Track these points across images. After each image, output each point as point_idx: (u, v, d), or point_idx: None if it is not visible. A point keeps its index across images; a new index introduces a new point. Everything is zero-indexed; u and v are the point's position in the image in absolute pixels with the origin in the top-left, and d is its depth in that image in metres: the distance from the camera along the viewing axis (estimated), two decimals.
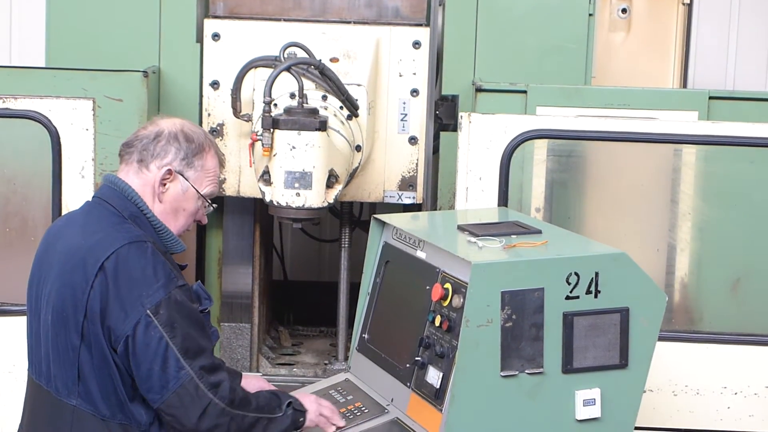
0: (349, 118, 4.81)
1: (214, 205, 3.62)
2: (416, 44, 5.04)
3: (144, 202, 3.46)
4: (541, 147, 4.70)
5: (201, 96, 5.07)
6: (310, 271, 6.69)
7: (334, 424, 3.64)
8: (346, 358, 4.78)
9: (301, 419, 3.54)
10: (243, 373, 3.90)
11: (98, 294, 3.28)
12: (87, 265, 3.31)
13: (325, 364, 5.36)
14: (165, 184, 3.48)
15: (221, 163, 3.59)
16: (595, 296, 3.43)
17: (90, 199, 3.55)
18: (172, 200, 3.49)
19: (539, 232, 3.71)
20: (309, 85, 4.71)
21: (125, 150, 3.51)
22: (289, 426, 3.49)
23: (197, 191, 3.51)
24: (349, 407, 3.76)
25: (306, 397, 3.65)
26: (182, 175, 3.48)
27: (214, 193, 3.58)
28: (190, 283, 3.51)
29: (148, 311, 3.26)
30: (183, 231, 3.57)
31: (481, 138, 4.46)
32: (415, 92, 5.04)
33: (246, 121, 4.85)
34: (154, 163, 3.47)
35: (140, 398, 3.33)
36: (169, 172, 3.47)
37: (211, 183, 3.55)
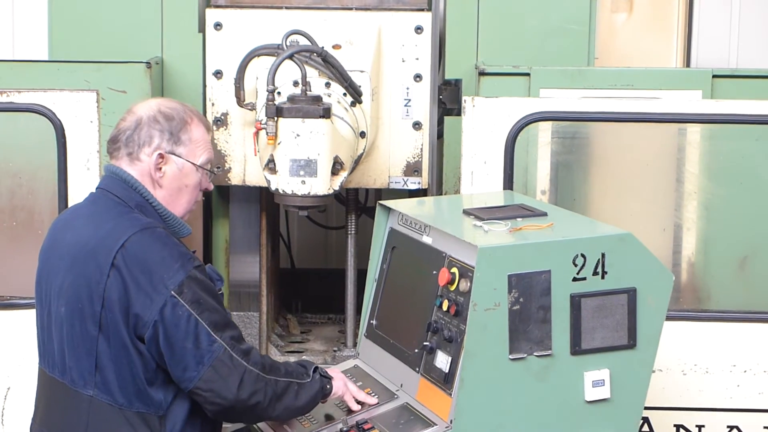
0: (352, 104, 4.81)
1: (216, 169, 3.61)
2: (418, 29, 5.03)
3: (147, 190, 3.46)
4: (545, 129, 4.70)
5: (204, 86, 5.08)
6: (317, 259, 6.70)
7: (361, 402, 3.64)
8: (355, 345, 4.79)
9: (328, 386, 3.57)
10: None
11: (114, 283, 3.29)
12: (100, 255, 3.32)
13: (334, 350, 5.37)
14: (161, 168, 3.47)
15: (208, 129, 3.57)
16: (602, 277, 3.43)
17: (94, 190, 3.56)
18: (171, 181, 3.49)
19: (545, 214, 3.71)
20: (312, 73, 4.71)
21: (112, 146, 3.51)
22: (318, 391, 3.51)
23: (194, 164, 3.51)
24: None
25: (331, 370, 3.69)
26: (174, 155, 3.48)
27: (211, 158, 3.57)
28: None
29: (172, 292, 3.27)
30: (192, 206, 3.58)
31: (485, 122, 4.46)
32: (418, 77, 5.04)
33: (250, 110, 4.85)
34: (143, 152, 3.46)
35: (160, 382, 3.34)
36: (161, 156, 3.47)
37: (205, 150, 3.53)
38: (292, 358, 5.35)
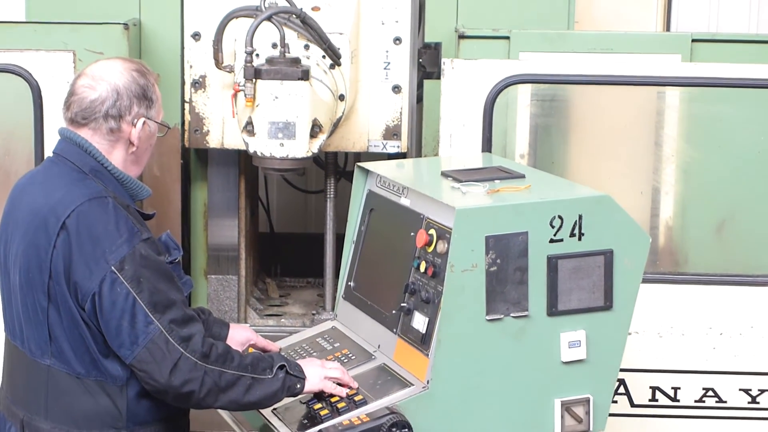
0: (331, 67, 4.79)
1: (170, 126, 3.54)
2: None
3: (102, 154, 3.37)
4: (524, 92, 4.70)
5: (182, 48, 5.04)
6: (296, 223, 6.70)
7: (346, 385, 3.49)
8: (334, 308, 4.79)
9: (299, 386, 3.41)
10: (231, 324, 3.90)
11: (61, 253, 3.24)
12: (49, 224, 3.26)
13: (313, 314, 5.37)
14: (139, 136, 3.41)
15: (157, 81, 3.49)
16: (579, 239, 3.43)
17: (51, 155, 3.49)
18: (142, 144, 3.42)
19: (523, 176, 3.71)
20: (291, 35, 4.68)
21: (84, 120, 3.36)
22: (279, 390, 3.37)
23: (162, 124, 3.47)
24: (336, 354, 3.77)
25: (310, 364, 3.51)
26: (149, 119, 3.42)
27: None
28: (160, 233, 3.49)
29: (112, 267, 3.20)
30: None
31: (464, 84, 4.45)
32: (397, 40, 5.01)
33: (228, 72, 4.82)
34: (123, 123, 3.37)
35: (114, 355, 3.28)
36: (144, 122, 3.39)
37: (161, 107, 3.47)
38: (271, 322, 5.36)
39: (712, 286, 4.58)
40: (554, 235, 3.41)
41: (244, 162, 5.32)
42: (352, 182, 4.04)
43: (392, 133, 5.06)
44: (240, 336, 3.84)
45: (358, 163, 3.98)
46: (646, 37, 5.25)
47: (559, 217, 3.41)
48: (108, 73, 3.39)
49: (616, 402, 4.56)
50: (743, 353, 4.61)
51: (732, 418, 4.65)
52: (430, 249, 3.52)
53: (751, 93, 4.61)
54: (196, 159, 5.32)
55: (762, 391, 4.63)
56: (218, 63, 4.79)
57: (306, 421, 3.45)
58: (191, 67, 5.02)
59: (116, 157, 3.41)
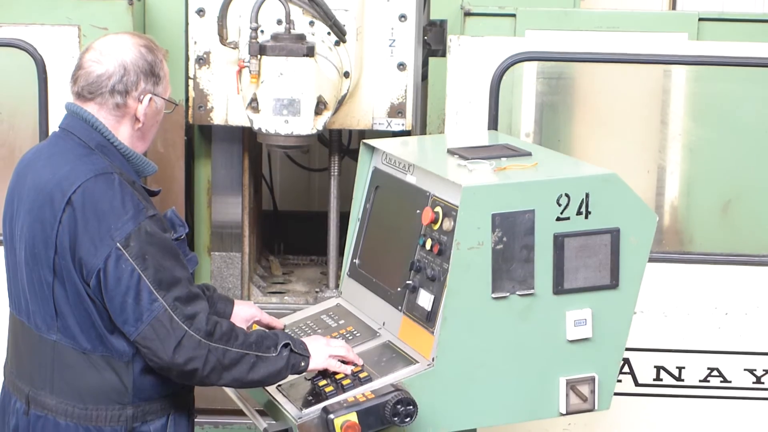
0: (336, 44, 4.77)
1: (177, 103, 3.53)
2: None
3: (108, 129, 3.35)
4: (530, 70, 4.68)
5: (186, 24, 5.01)
6: (299, 201, 6.69)
7: (351, 362, 3.49)
8: (337, 286, 4.79)
9: (303, 364, 3.41)
10: (235, 300, 3.89)
11: (66, 229, 3.22)
12: (54, 200, 3.24)
13: (316, 292, 5.37)
14: (145, 113, 3.39)
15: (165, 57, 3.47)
16: (586, 217, 3.42)
17: (57, 129, 3.47)
18: (149, 120, 3.40)
19: (529, 154, 3.69)
20: (296, 11, 4.66)
21: (90, 95, 3.34)
22: (283, 368, 3.36)
23: (170, 100, 3.45)
24: (341, 331, 3.77)
25: (314, 341, 3.50)
26: (156, 95, 3.39)
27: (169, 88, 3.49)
28: (164, 210, 3.46)
29: (118, 244, 3.18)
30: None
31: (470, 61, 4.44)
32: (403, 17, 4.99)
33: (233, 48, 4.80)
34: (129, 98, 3.35)
35: (119, 331, 3.27)
36: (150, 99, 3.37)
37: (168, 83, 3.44)
38: (274, 299, 5.35)
39: (717, 266, 4.58)
40: (561, 213, 3.40)
41: (248, 139, 5.31)
42: (355, 160, 4.03)
43: (397, 110, 5.04)
44: (245, 312, 3.83)
45: (364, 140, 3.96)
46: (652, 15, 5.24)
47: (566, 195, 3.40)
48: (116, 48, 3.36)
49: (620, 381, 4.55)
50: (748, 333, 4.61)
51: (736, 398, 4.66)
52: (436, 226, 3.51)
53: (758, 72, 4.61)
54: (200, 136, 5.31)
55: (767, 372, 4.64)
56: (223, 39, 4.77)
57: (311, 397, 3.45)
58: (195, 43, 5.00)
59: (122, 133, 3.39)
